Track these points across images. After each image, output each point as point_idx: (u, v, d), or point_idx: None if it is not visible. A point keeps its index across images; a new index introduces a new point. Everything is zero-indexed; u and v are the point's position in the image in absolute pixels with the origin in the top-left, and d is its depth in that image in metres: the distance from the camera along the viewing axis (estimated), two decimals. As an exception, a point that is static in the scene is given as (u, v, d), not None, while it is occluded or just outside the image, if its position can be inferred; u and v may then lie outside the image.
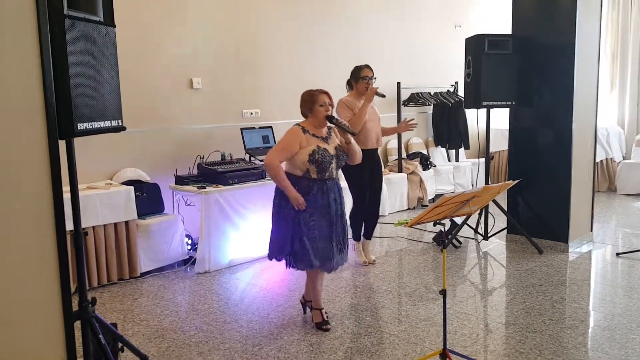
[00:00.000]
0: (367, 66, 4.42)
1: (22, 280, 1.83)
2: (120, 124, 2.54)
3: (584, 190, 5.07)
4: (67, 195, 2.21)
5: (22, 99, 1.78)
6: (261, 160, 5.08)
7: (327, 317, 3.45)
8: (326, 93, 3.32)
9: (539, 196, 5.07)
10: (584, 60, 4.81)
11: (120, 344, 2.87)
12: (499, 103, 4.97)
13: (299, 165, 3.22)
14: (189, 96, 5.13)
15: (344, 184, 4.11)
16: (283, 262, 3.35)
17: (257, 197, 4.78)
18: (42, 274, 1.87)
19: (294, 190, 3.19)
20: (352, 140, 3.38)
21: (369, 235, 4.70)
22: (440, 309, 3.63)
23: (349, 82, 4.50)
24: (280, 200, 3.29)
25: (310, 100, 3.29)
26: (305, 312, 3.62)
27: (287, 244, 3.27)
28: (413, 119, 4.60)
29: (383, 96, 4.35)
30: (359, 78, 4.37)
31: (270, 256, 3.39)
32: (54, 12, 2.04)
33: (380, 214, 6.25)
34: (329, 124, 3.36)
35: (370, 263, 4.63)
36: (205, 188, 4.53)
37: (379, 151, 4.69)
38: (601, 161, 7.65)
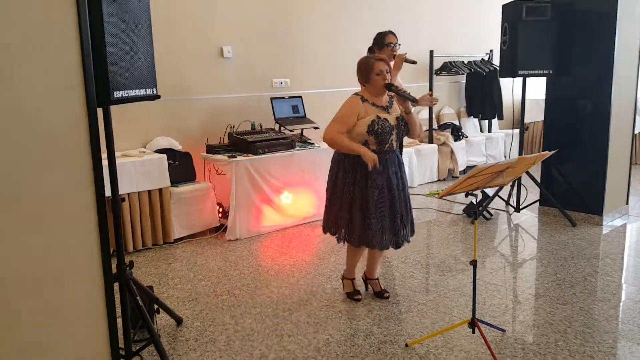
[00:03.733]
0: (391, 32, 4.28)
1: (64, 244, 1.90)
2: (155, 92, 2.57)
3: (621, 162, 4.94)
4: (104, 163, 2.27)
5: (62, 68, 1.82)
6: (290, 130, 5.10)
7: (383, 288, 3.46)
8: (383, 59, 3.14)
9: (574, 168, 4.96)
10: (625, 28, 4.63)
11: (156, 306, 2.98)
12: (536, 72, 4.82)
13: (357, 137, 3.08)
14: (219, 65, 5.14)
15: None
16: (336, 236, 3.26)
17: (287, 166, 4.82)
18: (83, 238, 1.94)
19: (364, 147, 3.02)
20: (412, 110, 3.20)
21: None
22: (468, 279, 3.63)
23: (371, 50, 4.40)
24: (343, 176, 3.14)
25: (366, 69, 3.12)
26: (367, 288, 3.51)
27: (348, 220, 3.14)
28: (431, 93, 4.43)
29: (414, 62, 4.23)
30: (384, 45, 4.25)
31: (325, 230, 3.29)
32: (90, -20, 2.07)
33: (409, 185, 6.25)
34: (388, 92, 3.21)
35: None
36: (235, 157, 4.58)
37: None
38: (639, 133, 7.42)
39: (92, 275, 1.98)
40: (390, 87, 3.16)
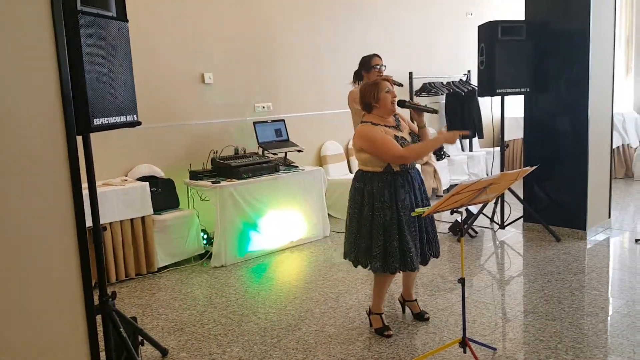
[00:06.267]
0: (376, 55, 4.36)
1: (45, 276, 1.85)
2: (135, 118, 2.55)
3: (601, 177, 5.01)
4: (85, 192, 2.23)
5: (40, 96, 1.80)
6: (274, 154, 5.09)
7: (422, 309, 3.37)
8: (387, 79, 3.09)
9: (555, 184, 5.01)
10: (598, 45, 4.74)
11: (140, 338, 2.90)
12: (514, 90, 4.90)
13: (380, 161, 2.98)
14: (200, 91, 5.14)
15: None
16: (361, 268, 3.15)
17: (271, 190, 4.79)
18: (64, 269, 1.89)
19: (440, 134, 2.97)
20: (425, 124, 3.17)
21: None
22: (457, 298, 3.61)
23: (356, 74, 4.45)
24: (369, 204, 3.01)
25: (374, 89, 3.02)
26: (404, 311, 3.45)
27: (382, 249, 2.99)
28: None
29: (400, 85, 4.26)
30: (371, 67, 4.32)
31: (357, 264, 3.12)
32: (67, 8, 2.06)
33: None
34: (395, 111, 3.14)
35: None
36: (219, 182, 4.55)
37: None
38: (617, 147, 7.55)
39: (74, 307, 1.93)
40: (404, 103, 3.13)
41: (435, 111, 3.20)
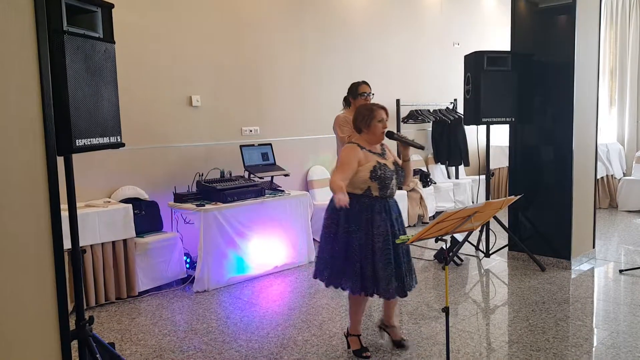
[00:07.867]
0: (365, 82, 4.39)
1: (19, 298, 1.79)
2: (119, 140, 2.53)
3: (586, 207, 5.04)
4: (64, 213, 2.18)
5: (21, 114, 1.76)
6: (260, 178, 5.07)
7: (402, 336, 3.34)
8: (384, 109, 3.13)
9: (540, 213, 5.04)
10: (583, 77, 4.82)
11: (117, 365, 2.82)
12: (499, 119, 4.96)
13: (360, 183, 3.03)
14: (188, 113, 5.13)
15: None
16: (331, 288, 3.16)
17: (257, 214, 4.76)
18: (39, 292, 1.84)
19: (341, 191, 2.89)
20: (410, 157, 3.23)
21: None
22: (442, 327, 3.58)
23: (346, 99, 4.48)
24: (345, 224, 3.04)
25: (369, 116, 3.09)
26: (383, 337, 3.44)
27: (358, 271, 3.01)
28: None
29: (422, 148, 4.25)
30: (357, 94, 4.34)
31: (329, 284, 3.15)
32: (53, 28, 2.05)
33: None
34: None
35: None
36: (204, 206, 4.50)
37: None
38: (602, 178, 7.64)
39: (48, 332, 1.87)
40: (392, 135, 3.17)
41: (421, 147, 3.24)
